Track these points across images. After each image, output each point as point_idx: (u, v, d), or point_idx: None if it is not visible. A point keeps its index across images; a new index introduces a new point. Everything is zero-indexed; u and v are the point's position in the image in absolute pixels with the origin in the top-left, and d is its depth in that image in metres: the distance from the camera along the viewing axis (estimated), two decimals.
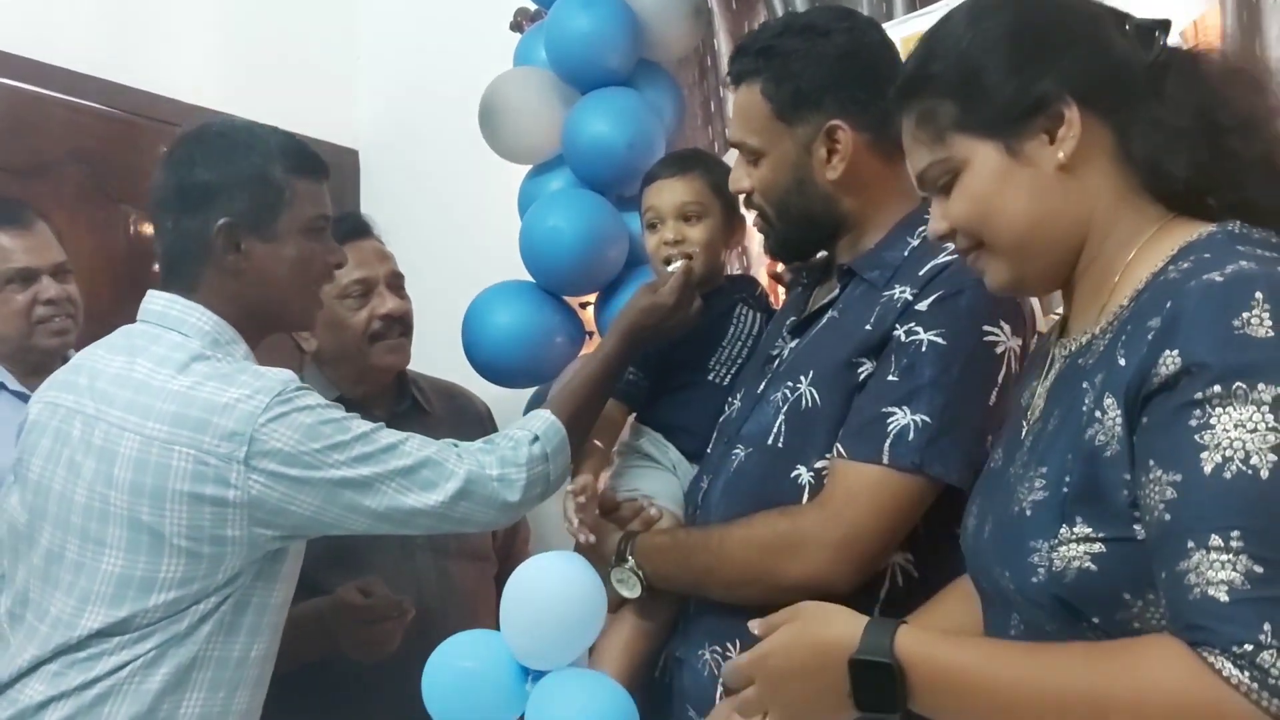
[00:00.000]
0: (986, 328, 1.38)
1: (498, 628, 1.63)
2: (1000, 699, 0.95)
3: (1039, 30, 1.08)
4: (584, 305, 2.36)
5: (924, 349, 1.38)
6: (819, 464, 1.45)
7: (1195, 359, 0.90)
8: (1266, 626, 0.82)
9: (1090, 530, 0.96)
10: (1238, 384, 0.88)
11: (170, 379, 1.50)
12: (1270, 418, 0.86)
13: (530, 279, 2.24)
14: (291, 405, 1.49)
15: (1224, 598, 0.84)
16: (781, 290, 2.02)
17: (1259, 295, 0.90)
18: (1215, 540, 0.85)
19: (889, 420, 1.37)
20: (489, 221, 2.59)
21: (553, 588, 1.59)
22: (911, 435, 1.36)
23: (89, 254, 2.71)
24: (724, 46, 2.53)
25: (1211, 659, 0.84)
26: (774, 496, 1.47)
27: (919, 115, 1.12)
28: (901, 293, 1.42)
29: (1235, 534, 0.85)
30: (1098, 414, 0.98)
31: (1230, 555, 0.85)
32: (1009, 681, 0.95)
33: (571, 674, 1.61)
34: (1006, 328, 1.38)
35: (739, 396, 1.66)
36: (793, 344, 1.59)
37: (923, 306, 1.40)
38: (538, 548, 2.34)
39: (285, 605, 1.61)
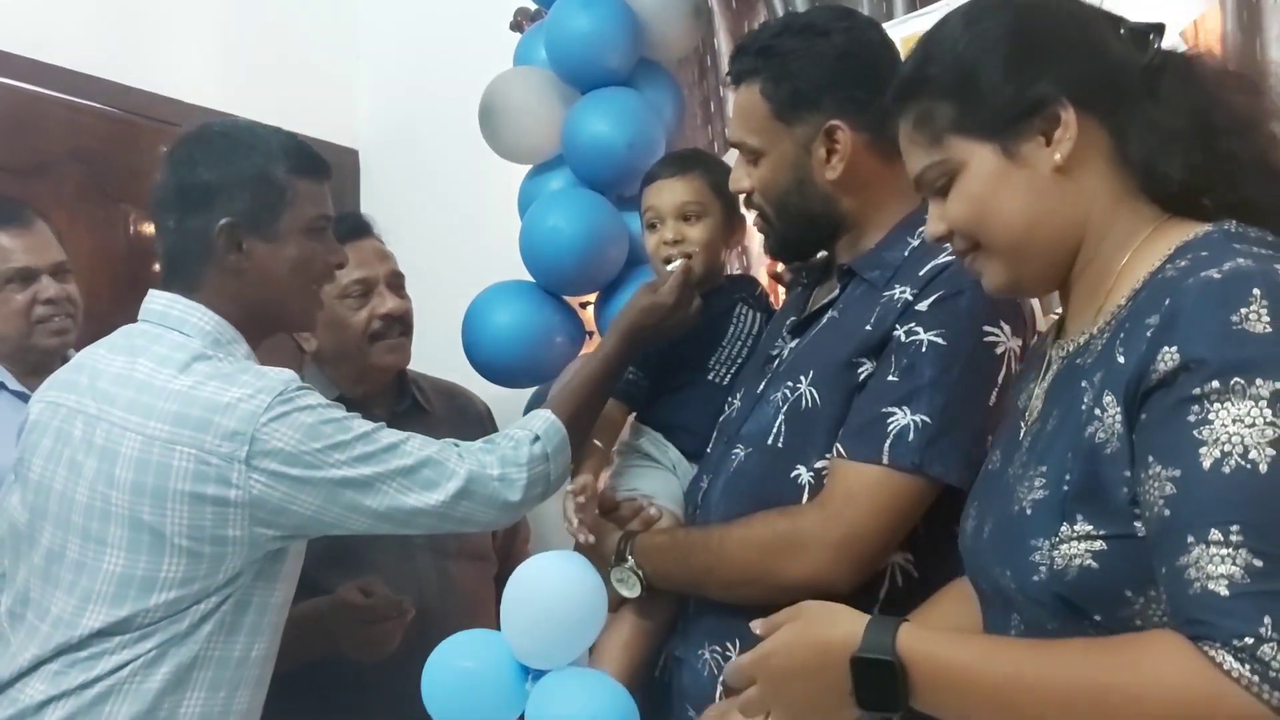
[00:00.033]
0: (986, 328, 1.38)
1: (498, 627, 1.63)
2: (1002, 695, 0.95)
3: (1036, 33, 1.08)
4: (584, 305, 2.36)
5: (924, 349, 1.38)
6: (819, 464, 1.44)
7: (1194, 355, 0.90)
8: (1267, 620, 0.83)
9: (1091, 528, 0.96)
10: (1236, 379, 0.88)
11: (172, 379, 1.50)
12: (1268, 413, 0.87)
13: (530, 279, 2.24)
14: (293, 405, 1.49)
15: (1224, 592, 0.85)
16: (781, 290, 2.02)
17: (1256, 291, 0.90)
18: (1215, 535, 0.86)
19: (889, 420, 1.37)
20: (489, 221, 2.59)
21: (553, 587, 1.59)
22: (911, 435, 1.36)
23: (89, 254, 2.71)
24: (724, 46, 2.54)
25: (1212, 653, 0.84)
26: (774, 496, 1.47)
27: (916, 117, 1.12)
28: (901, 293, 1.42)
29: (1235, 528, 0.85)
30: (1097, 412, 0.98)
31: (1230, 549, 0.85)
32: (1010, 678, 0.95)
33: (572, 673, 1.60)
34: (1006, 328, 1.38)
35: (739, 396, 1.66)
36: (793, 344, 1.59)
37: (923, 307, 1.40)
38: (538, 548, 2.34)
39: (286, 605, 1.61)
